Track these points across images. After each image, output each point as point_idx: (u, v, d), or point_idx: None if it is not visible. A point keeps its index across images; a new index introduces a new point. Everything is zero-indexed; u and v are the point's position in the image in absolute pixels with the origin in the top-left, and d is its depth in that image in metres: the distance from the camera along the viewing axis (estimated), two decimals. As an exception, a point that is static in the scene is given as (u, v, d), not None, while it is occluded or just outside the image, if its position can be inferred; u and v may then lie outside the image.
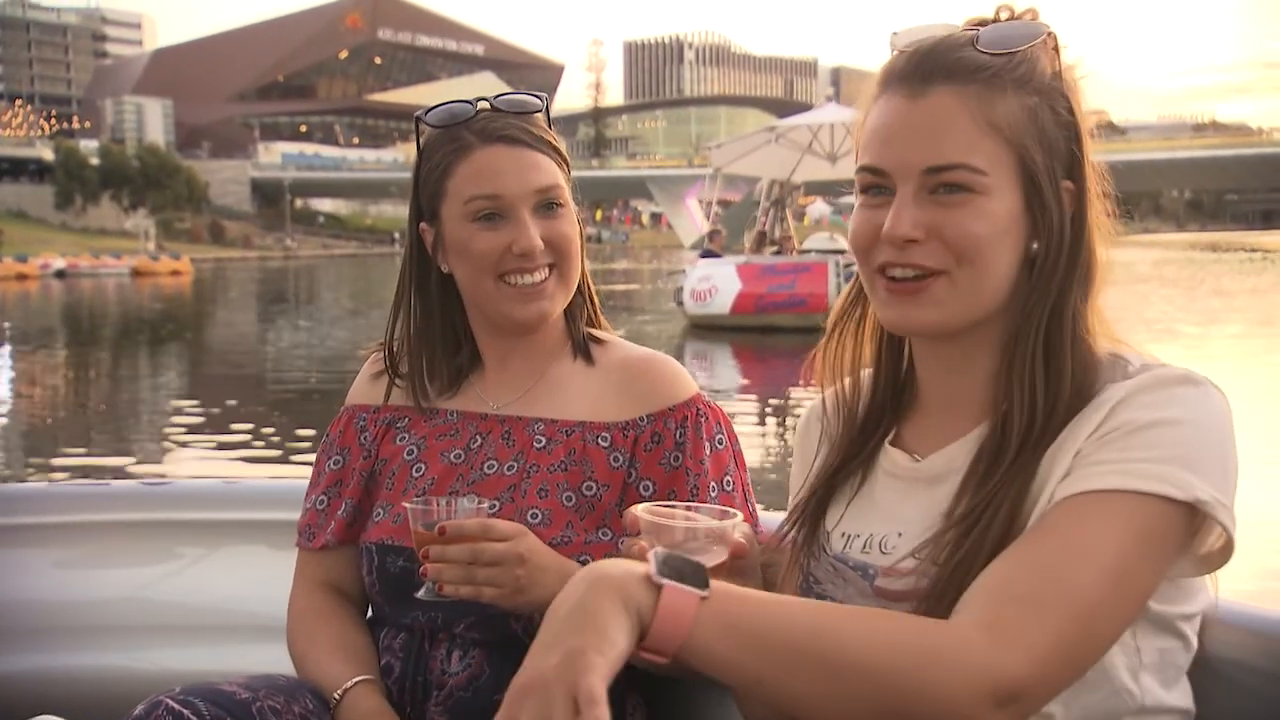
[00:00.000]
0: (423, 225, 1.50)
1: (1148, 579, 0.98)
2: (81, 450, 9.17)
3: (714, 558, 1.05)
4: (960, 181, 1.03)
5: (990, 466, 1.05)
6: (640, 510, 1.07)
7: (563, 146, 1.51)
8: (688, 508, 1.10)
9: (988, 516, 1.02)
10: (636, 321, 20.78)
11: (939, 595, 1.02)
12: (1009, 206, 1.04)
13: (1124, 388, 1.01)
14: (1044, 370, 1.05)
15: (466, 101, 1.48)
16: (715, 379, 13.03)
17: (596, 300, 1.59)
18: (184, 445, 9.15)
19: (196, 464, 8.36)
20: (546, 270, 1.46)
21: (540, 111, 1.49)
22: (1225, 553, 1.02)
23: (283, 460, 8.25)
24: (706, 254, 18.43)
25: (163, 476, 6.64)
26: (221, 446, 8.94)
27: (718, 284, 17.29)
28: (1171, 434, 0.98)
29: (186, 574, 2.01)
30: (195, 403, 11.76)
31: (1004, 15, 1.10)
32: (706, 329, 17.21)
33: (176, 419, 10.55)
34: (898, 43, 1.10)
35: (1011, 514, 1.01)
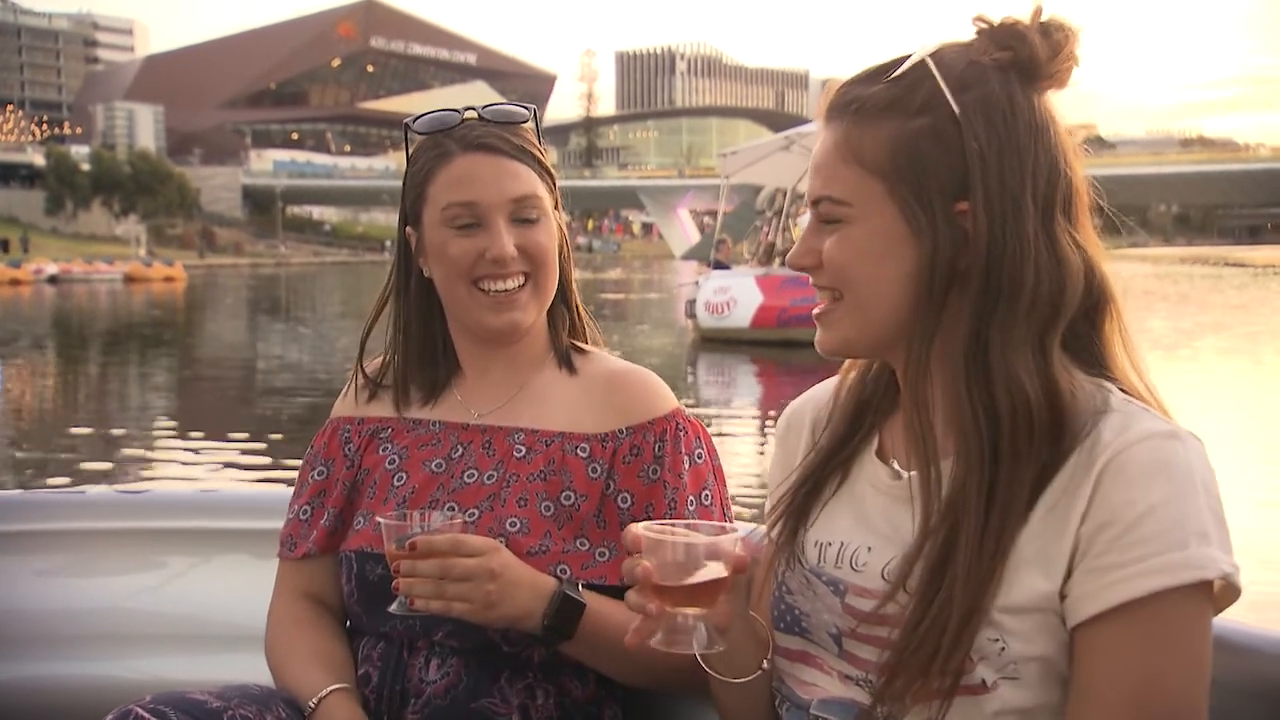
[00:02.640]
0: (408, 229, 1.52)
1: (1209, 652, 1.01)
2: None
3: (714, 574, 1.06)
4: (827, 214, 1.09)
5: (960, 500, 1.04)
6: (640, 529, 1.08)
7: (548, 158, 1.52)
8: (688, 526, 1.11)
9: (968, 553, 1.02)
10: (635, 332, 20.79)
11: (915, 624, 1.03)
12: (881, 231, 1.07)
13: (1109, 446, 1.01)
14: (971, 396, 1.04)
15: (454, 110, 1.50)
16: (744, 396, 12.56)
17: (583, 311, 1.60)
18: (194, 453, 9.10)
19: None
20: (521, 279, 1.47)
21: (527, 122, 1.51)
22: (1226, 594, 1.02)
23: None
24: (716, 265, 18.04)
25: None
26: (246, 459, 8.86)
27: (736, 296, 16.75)
28: (1178, 509, 0.98)
29: (165, 583, 2.00)
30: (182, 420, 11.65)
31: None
32: (721, 343, 16.67)
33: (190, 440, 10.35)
34: None
35: (995, 553, 1.02)
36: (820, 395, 1.30)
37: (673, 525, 1.10)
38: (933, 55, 1.07)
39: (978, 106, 1.05)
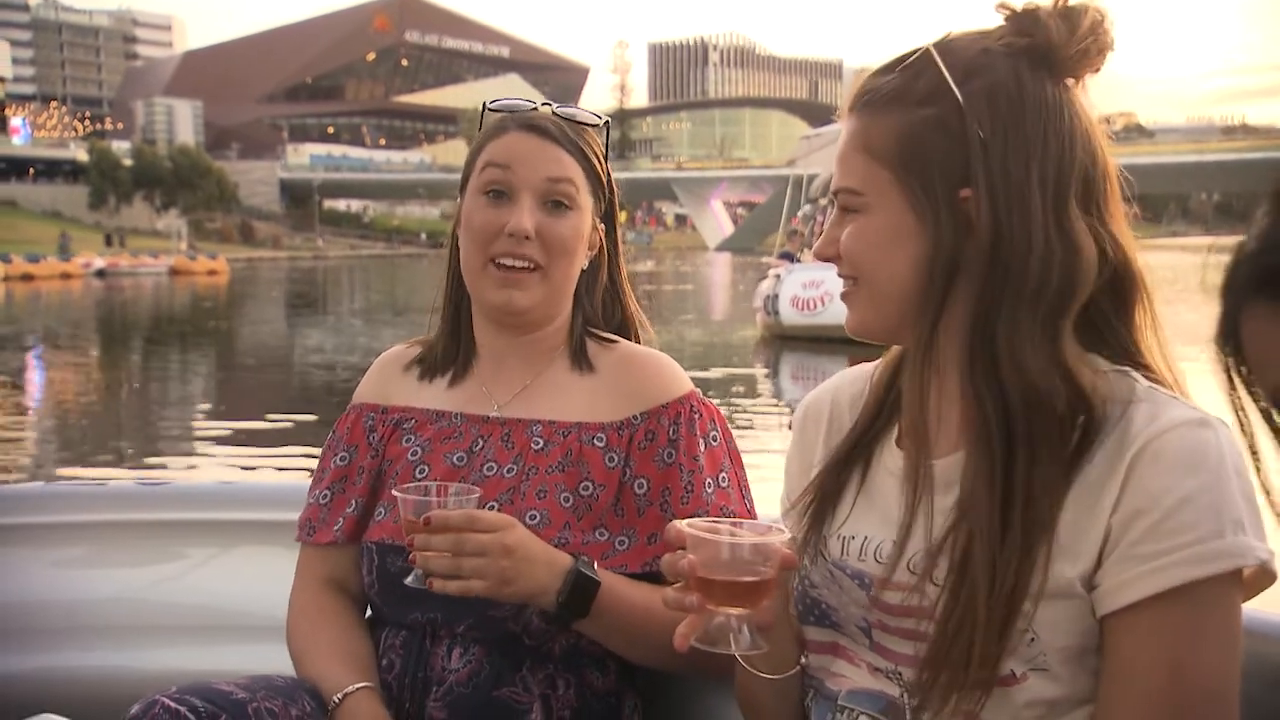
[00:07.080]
0: (459, 199, 1.56)
1: (1240, 633, 1.02)
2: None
3: (759, 573, 1.03)
4: (845, 204, 1.13)
5: (973, 493, 1.04)
6: (684, 525, 1.05)
7: (601, 162, 1.54)
8: (733, 524, 1.08)
9: (988, 548, 1.02)
10: (686, 324, 20.39)
11: (946, 620, 1.03)
12: (892, 220, 1.09)
13: (1140, 435, 1.01)
14: (977, 385, 1.05)
15: (531, 101, 1.55)
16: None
17: (632, 311, 1.61)
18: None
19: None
20: (532, 264, 1.47)
21: (594, 128, 1.54)
22: (1261, 579, 1.02)
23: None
24: (786, 256, 17.30)
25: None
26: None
27: (832, 290, 15.06)
28: (1214, 498, 0.98)
29: (184, 574, 2.02)
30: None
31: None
32: (811, 341, 15.35)
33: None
34: None
35: (1021, 546, 1.01)
36: (839, 385, 1.30)
37: (718, 522, 1.08)
38: (940, 45, 1.09)
39: (982, 94, 1.06)
